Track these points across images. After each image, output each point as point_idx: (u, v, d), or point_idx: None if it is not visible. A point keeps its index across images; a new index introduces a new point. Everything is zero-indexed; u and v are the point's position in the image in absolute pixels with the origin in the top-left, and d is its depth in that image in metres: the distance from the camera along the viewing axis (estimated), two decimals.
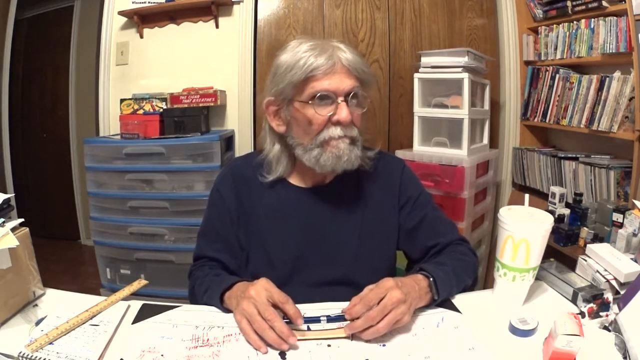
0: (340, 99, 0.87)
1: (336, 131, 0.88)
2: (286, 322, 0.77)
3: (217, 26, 2.27)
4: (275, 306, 0.78)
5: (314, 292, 0.92)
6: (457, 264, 0.92)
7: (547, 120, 2.14)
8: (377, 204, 1.01)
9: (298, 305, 0.80)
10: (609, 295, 0.85)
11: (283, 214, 0.98)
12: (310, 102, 0.87)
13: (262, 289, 0.78)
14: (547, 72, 2.14)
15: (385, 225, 1.01)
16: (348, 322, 0.78)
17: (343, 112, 0.87)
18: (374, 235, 0.99)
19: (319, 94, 0.86)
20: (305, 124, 0.89)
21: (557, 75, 2.08)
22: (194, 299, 0.96)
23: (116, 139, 2.12)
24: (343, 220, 0.98)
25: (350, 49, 0.90)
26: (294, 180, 1.01)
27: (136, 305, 0.88)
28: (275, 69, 0.91)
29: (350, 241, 0.97)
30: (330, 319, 0.79)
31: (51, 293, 0.91)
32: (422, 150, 2.09)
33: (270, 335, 0.73)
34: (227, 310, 0.85)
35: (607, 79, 1.78)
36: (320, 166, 0.91)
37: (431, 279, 0.84)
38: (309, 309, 0.85)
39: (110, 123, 2.31)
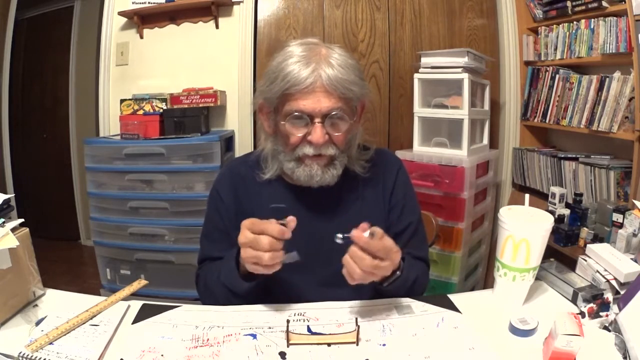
0: (317, 120, 0.86)
1: (310, 150, 0.88)
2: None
3: (217, 26, 2.27)
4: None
5: (312, 292, 0.92)
6: (420, 277, 0.96)
7: (547, 121, 2.14)
8: (373, 202, 1.01)
9: (298, 305, 0.80)
10: (609, 295, 0.85)
11: (281, 213, 0.98)
12: (283, 122, 0.88)
13: (245, 231, 0.80)
14: (547, 73, 2.14)
15: (381, 224, 1.01)
16: (348, 325, 0.77)
17: (315, 135, 0.86)
18: None
19: (293, 114, 0.86)
20: (284, 136, 0.90)
21: (557, 76, 2.08)
22: (209, 297, 0.96)
23: (116, 139, 2.12)
24: (340, 219, 0.98)
25: (342, 60, 0.86)
26: (290, 179, 1.01)
27: (136, 305, 0.88)
28: (266, 73, 0.91)
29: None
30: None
31: (51, 293, 0.91)
32: (422, 150, 2.09)
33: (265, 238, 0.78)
34: (247, 279, 0.86)
35: (607, 79, 1.78)
36: (296, 178, 0.93)
37: (398, 272, 0.86)
38: (309, 309, 0.85)
39: (110, 123, 2.31)
